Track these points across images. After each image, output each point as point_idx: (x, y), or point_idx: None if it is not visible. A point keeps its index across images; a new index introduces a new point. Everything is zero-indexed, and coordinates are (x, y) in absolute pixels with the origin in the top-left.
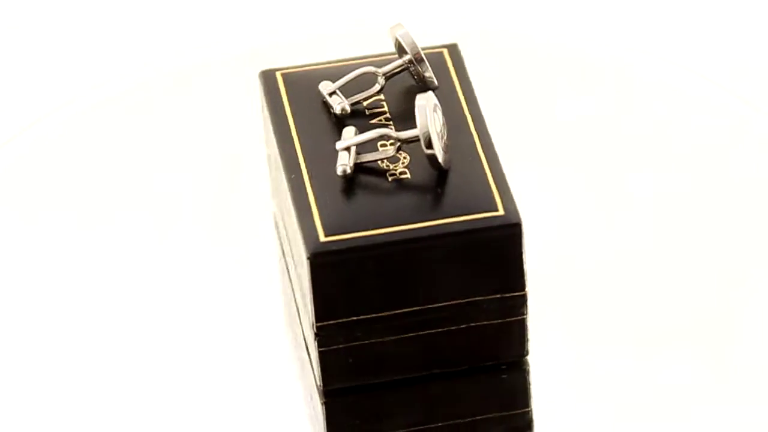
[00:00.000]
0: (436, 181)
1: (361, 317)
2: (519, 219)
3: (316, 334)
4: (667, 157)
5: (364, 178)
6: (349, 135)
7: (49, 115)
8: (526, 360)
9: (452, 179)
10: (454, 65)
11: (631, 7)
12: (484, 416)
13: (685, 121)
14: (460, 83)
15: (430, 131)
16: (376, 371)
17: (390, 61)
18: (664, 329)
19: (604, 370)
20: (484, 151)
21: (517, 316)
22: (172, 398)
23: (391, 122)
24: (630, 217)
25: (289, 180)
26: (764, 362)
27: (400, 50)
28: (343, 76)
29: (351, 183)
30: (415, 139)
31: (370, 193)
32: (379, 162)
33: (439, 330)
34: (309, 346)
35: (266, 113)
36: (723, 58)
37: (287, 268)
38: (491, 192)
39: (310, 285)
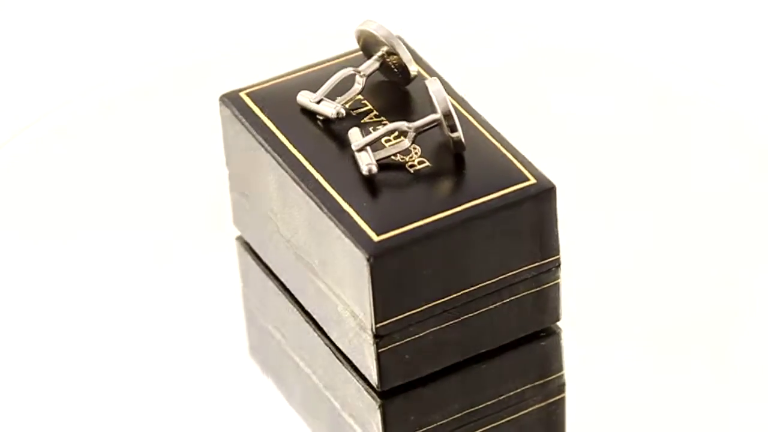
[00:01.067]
0: (458, 165)
1: (417, 310)
2: (552, 183)
3: (376, 336)
4: (665, 157)
5: (386, 175)
6: (358, 136)
7: (49, 115)
8: (558, 324)
9: (472, 160)
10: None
11: (631, 5)
12: (525, 387)
13: (684, 121)
14: (425, 71)
15: (453, 113)
16: (430, 362)
17: (360, 61)
18: (674, 315)
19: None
20: (485, 129)
21: (553, 281)
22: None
23: (383, 118)
24: (627, 216)
25: (309, 190)
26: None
27: (372, 45)
28: (309, 84)
29: (374, 181)
30: (430, 126)
31: (401, 187)
32: (393, 157)
33: (486, 308)
34: (348, 354)
35: (240, 133)
36: (723, 58)
37: (282, 287)
38: (514, 164)
39: (370, 286)
